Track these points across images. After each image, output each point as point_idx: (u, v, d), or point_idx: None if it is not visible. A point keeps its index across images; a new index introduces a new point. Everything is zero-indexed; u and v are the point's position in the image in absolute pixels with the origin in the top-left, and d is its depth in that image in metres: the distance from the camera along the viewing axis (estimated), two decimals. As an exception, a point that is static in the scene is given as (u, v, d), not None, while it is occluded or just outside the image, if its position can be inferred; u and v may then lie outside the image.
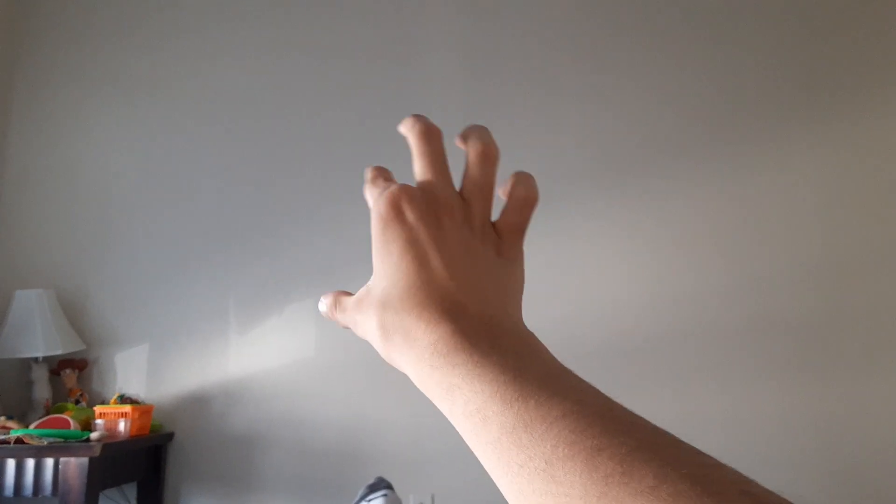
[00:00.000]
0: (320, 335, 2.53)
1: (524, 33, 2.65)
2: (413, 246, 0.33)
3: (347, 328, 0.37)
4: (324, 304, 0.39)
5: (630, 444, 0.24)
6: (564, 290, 2.45)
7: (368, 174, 0.38)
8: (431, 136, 0.37)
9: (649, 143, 2.51)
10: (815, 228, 2.39)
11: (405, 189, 0.34)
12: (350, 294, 0.37)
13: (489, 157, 0.36)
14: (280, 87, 2.72)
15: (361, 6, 2.73)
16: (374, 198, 0.36)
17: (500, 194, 0.38)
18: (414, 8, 2.71)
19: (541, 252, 2.47)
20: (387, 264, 0.33)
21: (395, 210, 0.34)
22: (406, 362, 0.32)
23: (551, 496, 0.24)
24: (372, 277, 0.35)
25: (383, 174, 0.38)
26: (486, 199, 0.36)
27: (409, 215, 0.33)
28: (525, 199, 0.37)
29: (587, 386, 0.28)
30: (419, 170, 0.36)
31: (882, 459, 2.23)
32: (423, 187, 0.35)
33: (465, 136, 0.37)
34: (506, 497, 0.26)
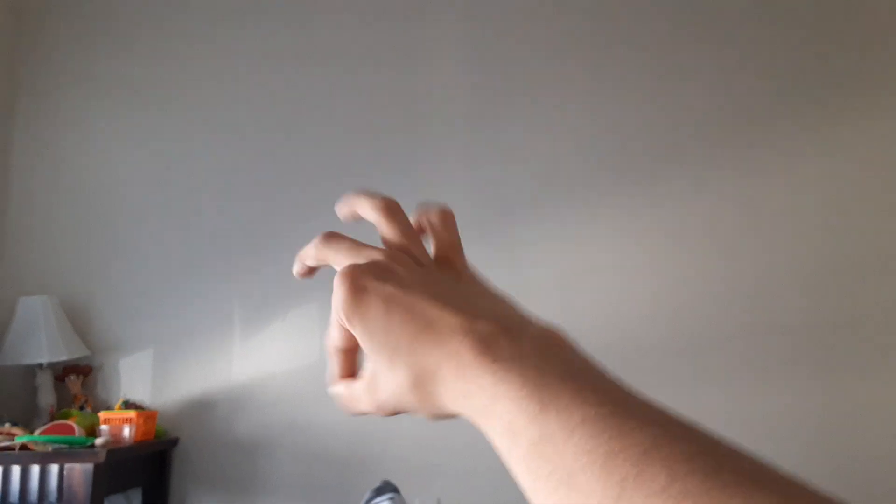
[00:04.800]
0: (324, 340, 2.53)
1: (527, 40, 2.65)
2: (391, 301, 0.32)
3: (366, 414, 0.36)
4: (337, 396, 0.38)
5: (646, 444, 0.24)
6: (564, 295, 2.44)
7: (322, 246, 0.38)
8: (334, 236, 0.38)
9: (651, 148, 2.51)
10: (817, 232, 2.39)
11: (354, 266, 0.34)
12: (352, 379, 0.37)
13: (391, 209, 0.37)
14: (285, 95, 2.73)
15: (366, 15, 2.74)
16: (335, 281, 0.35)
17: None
18: (418, 16, 2.71)
19: (541, 257, 2.47)
20: (377, 333, 0.32)
21: (357, 284, 0.33)
22: (449, 402, 0.31)
23: None
24: (366, 361, 0.34)
25: (335, 243, 0.37)
26: (416, 241, 0.37)
27: (371, 282, 0.33)
28: (441, 214, 0.38)
29: (606, 380, 0.29)
30: (340, 259, 0.36)
31: (885, 461, 2.22)
32: (365, 260, 0.35)
33: (350, 205, 0.38)
34: None
